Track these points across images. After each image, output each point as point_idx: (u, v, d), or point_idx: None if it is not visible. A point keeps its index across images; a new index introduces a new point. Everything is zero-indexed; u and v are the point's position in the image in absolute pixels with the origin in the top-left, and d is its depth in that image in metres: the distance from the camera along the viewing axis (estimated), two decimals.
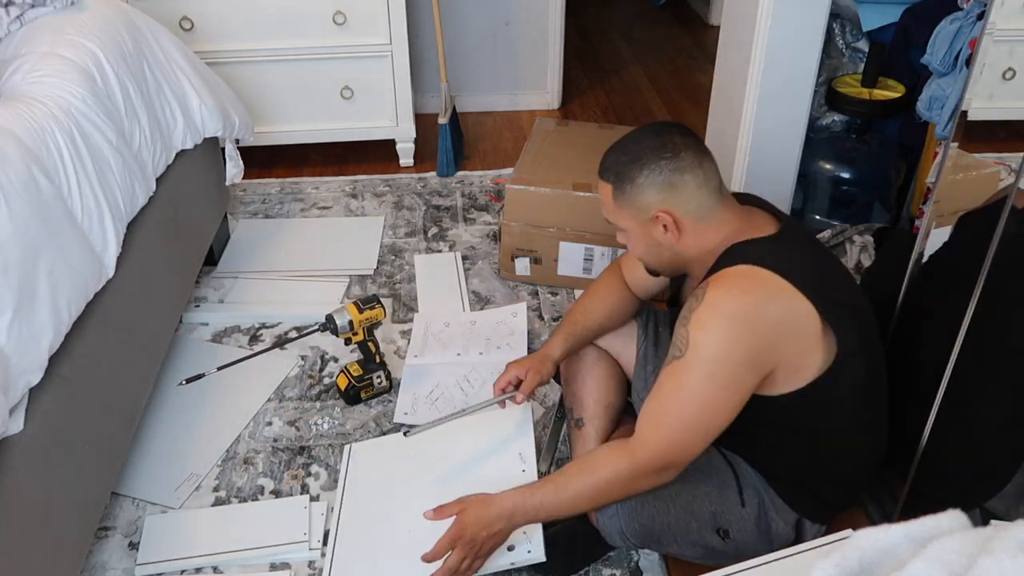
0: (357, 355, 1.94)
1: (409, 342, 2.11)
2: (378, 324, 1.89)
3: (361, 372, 1.92)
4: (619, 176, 1.32)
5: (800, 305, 1.23)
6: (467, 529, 1.33)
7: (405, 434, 1.56)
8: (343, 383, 1.93)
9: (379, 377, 1.93)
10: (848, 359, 1.28)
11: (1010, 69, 1.44)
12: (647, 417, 1.29)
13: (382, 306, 1.88)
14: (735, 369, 1.23)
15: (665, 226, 1.31)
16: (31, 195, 1.37)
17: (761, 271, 1.23)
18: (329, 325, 1.84)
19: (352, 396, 1.92)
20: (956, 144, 1.44)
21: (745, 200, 1.41)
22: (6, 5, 1.74)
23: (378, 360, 1.94)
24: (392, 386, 1.98)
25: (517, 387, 1.54)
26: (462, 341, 2.09)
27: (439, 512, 1.37)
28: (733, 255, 1.28)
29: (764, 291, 1.23)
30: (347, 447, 1.77)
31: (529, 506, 1.33)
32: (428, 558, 1.35)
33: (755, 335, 1.22)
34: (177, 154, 2.01)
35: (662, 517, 1.38)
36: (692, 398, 1.24)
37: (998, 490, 1.39)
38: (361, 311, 1.84)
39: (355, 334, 1.86)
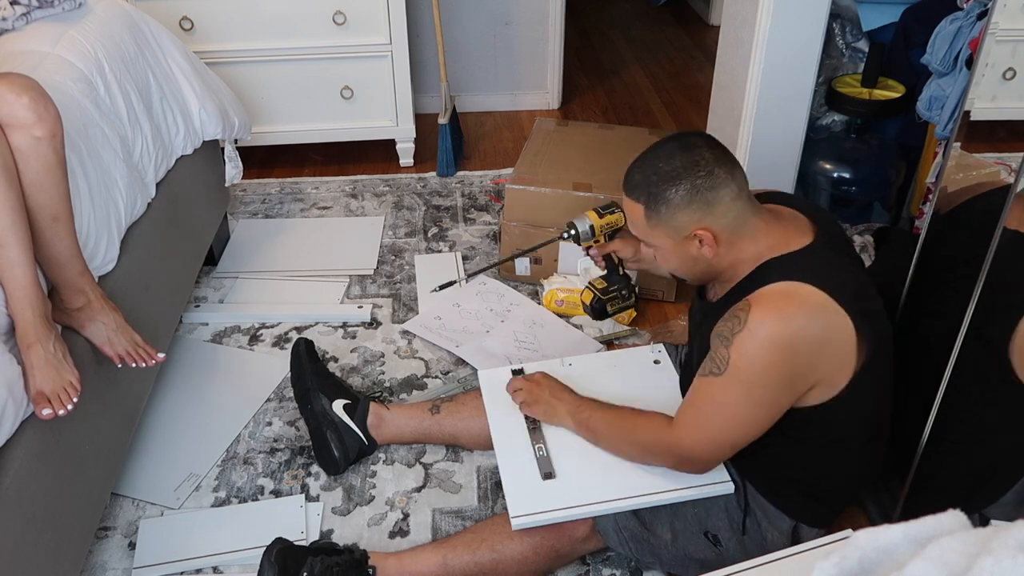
0: (349, 357, 1.94)
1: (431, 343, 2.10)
2: (620, 229, 1.76)
3: (605, 285, 1.77)
4: (652, 196, 1.28)
5: (840, 320, 1.22)
6: (539, 385, 1.55)
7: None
8: (588, 298, 1.77)
9: (624, 290, 1.78)
10: (872, 367, 1.28)
11: (1010, 69, 1.43)
12: (682, 417, 1.34)
13: (622, 211, 1.72)
14: (772, 391, 1.24)
15: (702, 241, 1.28)
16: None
17: (802, 287, 1.22)
18: (571, 232, 1.74)
19: (598, 310, 1.76)
20: (959, 144, 1.43)
21: (777, 200, 1.39)
22: (12, 3, 1.73)
23: (621, 272, 1.78)
24: (637, 299, 1.85)
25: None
26: (475, 319, 2.13)
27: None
28: (771, 270, 1.26)
29: (806, 311, 1.22)
30: (479, 373, 1.72)
31: (582, 414, 1.48)
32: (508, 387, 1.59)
33: (795, 359, 1.22)
34: (177, 157, 2.01)
35: (645, 513, 1.41)
36: (726, 414, 1.28)
37: (999, 496, 1.39)
38: (601, 216, 1.73)
39: (596, 240, 1.75)
